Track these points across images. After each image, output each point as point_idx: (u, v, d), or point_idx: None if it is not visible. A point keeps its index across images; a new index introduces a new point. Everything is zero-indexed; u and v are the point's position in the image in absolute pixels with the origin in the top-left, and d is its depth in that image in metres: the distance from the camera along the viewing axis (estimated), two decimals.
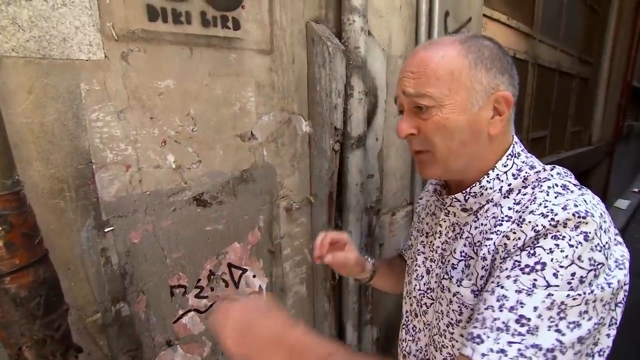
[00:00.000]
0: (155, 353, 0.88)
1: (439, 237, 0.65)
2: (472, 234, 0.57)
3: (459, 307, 0.56)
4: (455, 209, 0.62)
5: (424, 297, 0.66)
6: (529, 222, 0.48)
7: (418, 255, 0.70)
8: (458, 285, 0.56)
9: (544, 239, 0.46)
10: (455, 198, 0.60)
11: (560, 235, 0.45)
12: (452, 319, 0.57)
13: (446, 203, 0.63)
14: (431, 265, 0.66)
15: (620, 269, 0.48)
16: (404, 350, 0.73)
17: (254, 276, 1.01)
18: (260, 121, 0.92)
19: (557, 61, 2.89)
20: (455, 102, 0.54)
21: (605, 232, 0.47)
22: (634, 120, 5.83)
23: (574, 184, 0.52)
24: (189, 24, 0.77)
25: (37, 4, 0.61)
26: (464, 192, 0.59)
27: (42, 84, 0.64)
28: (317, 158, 1.02)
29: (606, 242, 0.46)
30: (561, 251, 0.44)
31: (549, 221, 0.46)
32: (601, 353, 0.51)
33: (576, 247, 0.44)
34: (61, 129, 0.67)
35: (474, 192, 0.58)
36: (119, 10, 0.69)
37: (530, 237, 0.47)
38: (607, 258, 0.46)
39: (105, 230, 0.75)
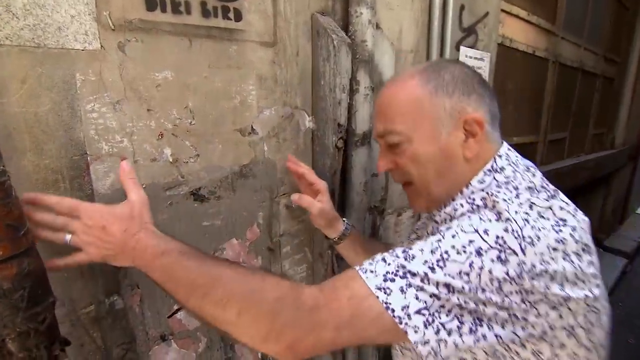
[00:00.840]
0: (149, 347, 0.88)
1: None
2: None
3: None
4: (432, 223, 0.62)
5: None
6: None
7: None
8: None
9: (447, 229, 0.49)
10: (433, 219, 0.62)
11: (462, 228, 0.47)
12: None
13: (422, 218, 0.69)
14: None
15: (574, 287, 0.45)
16: None
17: None
18: (262, 115, 0.90)
19: (580, 60, 2.76)
20: (422, 133, 0.55)
21: (532, 227, 0.45)
22: None
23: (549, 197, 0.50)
24: (189, 14, 0.75)
25: None
26: (438, 211, 0.60)
27: (36, 73, 0.63)
28: (320, 155, 0.99)
29: (529, 236, 0.44)
30: (457, 228, 0.47)
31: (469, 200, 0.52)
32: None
33: (483, 222, 0.46)
34: (56, 120, 0.66)
35: (447, 211, 0.58)
36: None
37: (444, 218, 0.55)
38: (524, 247, 0.43)
39: None
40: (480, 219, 0.47)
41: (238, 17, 0.81)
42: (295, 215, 1.03)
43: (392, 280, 0.45)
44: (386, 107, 0.59)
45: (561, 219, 0.47)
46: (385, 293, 0.44)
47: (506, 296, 0.43)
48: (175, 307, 0.89)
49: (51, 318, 0.58)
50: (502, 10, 1.77)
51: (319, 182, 0.84)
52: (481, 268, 0.43)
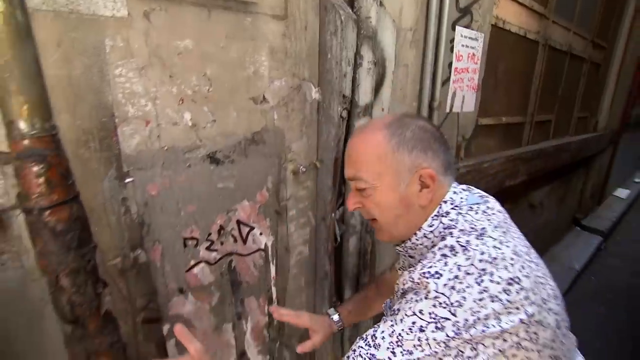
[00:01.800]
0: (169, 299, 0.96)
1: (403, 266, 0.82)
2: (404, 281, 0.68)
3: None
4: (404, 254, 0.76)
5: None
6: (406, 282, 0.63)
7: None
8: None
9: (405, 293, 0.62)
10: (399, 252, 0.76)
11: (416, 290, 0.59)
12: None
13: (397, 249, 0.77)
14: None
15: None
16: None
17: (261, 234, 1.07)
18: (272, 85, 0.96)
19: (569, 44, 2.85)
20: (385, 183, 0.64)
21: (457, 291, 0.55)
22: None
23: (472, 241, 0.60)
24: None
25: None
26: (402, 245, 0.73)
27: (70, 38, 0.67)
28: (325, 124, 1.06)
29: (458, 300, 0.54)
30: (408, 303, 0.58)
31: (417, 275, 0.59)
32: None
33: (418, 302, 0.57)
34: (87, 83, 0.71)
35: (409, 247, 0.71)
36: None
37: (406, 286, 0.63)
38: (456, 313, 0.54)
39: (126, 181, 0.80)
40: (416, 301, 0.58)
41: None
42: (300, 181, 1.10)
43: None
44: (355, 156, 0.68)
45: (482, 270, 0.56)
46: None
47: (455, 348, 0.55)
48: (193, 262, 0.97)
49: (94, 260, 0.65)
50: None
51: (306, 322, 0.95)
52: (427, 339, 0.55)
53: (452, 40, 1.52)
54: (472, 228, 0.62)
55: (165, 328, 0.97)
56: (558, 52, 2.73)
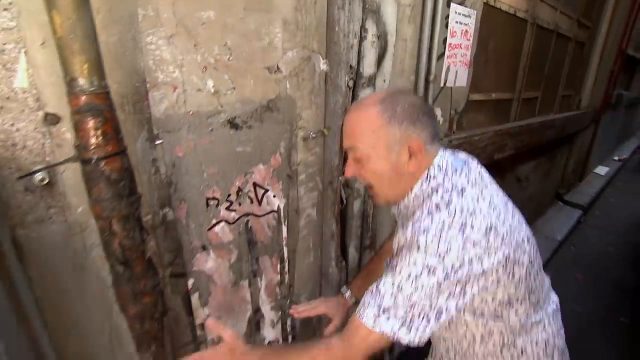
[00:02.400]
0: (193, 255, 1.05)
1: (398, 225, 0.89)
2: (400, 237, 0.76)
3: None
4: (398, 213, 0.86)
5: None
6: (402, 237, 0.71)
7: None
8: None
9: (401, 249, 0.70)
10: (394, 213, 0.85)
11: (408, 244, 0.67)
12: None
13: (392, 213, 0.88)
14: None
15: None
16: None
17: (274, 196, 1.16)
18: (285, 56, 1.03)
19: (556, 23, 2.94)
20: (378, 154, 0.72)
21: (444, 241, 0.64)
22: (624, 89, 5.96)
23: (458, 195, 0.70)
24: None
25: None
26: (397, 206, 0.83)
27: (107, 6, 0.73)
28: (332, 94, 1.14)
29: (446, 249, 0.64)
30: (404, 257, 0.67)
31: (409, 232, 0.68)
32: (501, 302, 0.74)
33: (412, 254, 0.66)
34: (122, 49, 0.77)
35: (402, 208, 0.80)
36: None
37: (400, 246, 0.71)
38: (443, 260, 0.63)
39: (156, 143, 0.87)
40: (410, 254, 0.66)
41: None
42: (309, 147, 1.19)
43: (378, 316, 0.67)
44: (352, 128, 0.75)
45: (463, 222, 0.66)
46: (377, 326, 0.66)
47: (447, 289, 0.65)
48: (214, 221, 1.05)
49: (139, 208, 0.73)
50: None
51: (322, 309, 1.08)
52: (422, 285, 0.64)
53: (447, 17, 1.59)
54: (454, 187, 0.71)
55: (190, 282, 1.06)
56: (545, 30, 2.82)
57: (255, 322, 1.28)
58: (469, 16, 1.76)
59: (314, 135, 1.15)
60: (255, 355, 0.76)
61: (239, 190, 1.07)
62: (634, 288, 3.00)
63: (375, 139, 0.71)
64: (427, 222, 0.67)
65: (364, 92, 1.16)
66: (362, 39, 1.11)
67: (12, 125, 0.69)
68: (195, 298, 1.09)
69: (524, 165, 3.13)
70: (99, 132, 0.60)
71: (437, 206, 0.69)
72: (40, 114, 0.71)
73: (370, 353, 0.72)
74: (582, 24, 3.48)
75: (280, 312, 1.37)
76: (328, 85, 1.14)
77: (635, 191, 5.35)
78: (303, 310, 1.07)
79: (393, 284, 0.67)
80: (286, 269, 1.30)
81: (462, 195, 0.70)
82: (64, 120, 0.73)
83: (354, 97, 1.16)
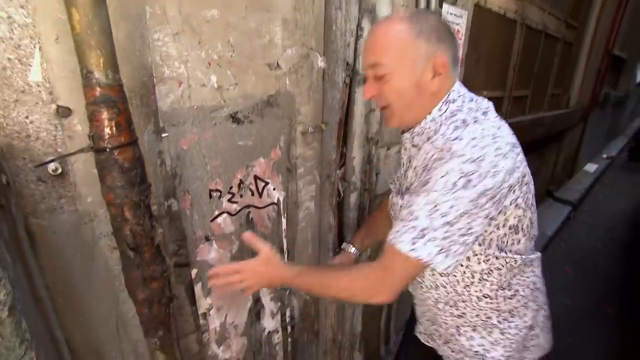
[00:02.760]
0: (196, 245, 1.08)
1: (403, 167, 0.87)
2: (417, 162, 0.77)
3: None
4: (408, 145, 0.82)
5: (391, 209, 0.92)
6: (431, 150, 0.70)
7: (396, 180, 0.96)
8: (401, 199, 0.80)
9: (432, 162, 0.68)
10: (406, 137, 0.81)
11: (439, 156, 0.67)
12: None
13: (402, 141, 0.85)
14: (398, 188, 0.90)
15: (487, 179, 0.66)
16: None
17: (274, 189, 1.20)
18: (285, 53, 1.07)
19: (544, 23, 3.02)
20: (404, 69, 0.71)
21: (478, 147, 0.64)
22: (611, 89, 6.10)
23: (478, 117, 0.72)
24: None
25: None
26: (410, 131, 0.80)
27: (116, 4, 0.76)
28: (330, 90, 1.18)
29: (482, 155, 0.64)
30: (439, 168, 0.66)
31: (440, 144, 0.68)
32: (512, 227, 0.76)
33: (448, 162, 0.64)
34: (130, 45, 0.80)
35: (417, 132, 0.78)
36: None
37: (426, 158, 0.70)
38: (479, 166, 0.63)
39: (162, 135, 0.91)
40: (445, 162, 0.64)
41: None
42: (308, 141, 1.23)
43: (414, 241, 0.66)
44: (378, 43, 0.72)
45: (493, 134, 0.68)
46: (415, 251, 0.66)
47: (484, 202, 0.65)
48: (217, 213, 1.09)
49: (149, 196, 0.77)
50: None
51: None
52: (460, 197, 0.64)
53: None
54: (478, 109, 0.74)
55: (194, 272, 1.09)
56: (534, 31, 2.90)
57: (256, 312, 1.32)
58: (461, 16, 1.81)
59: (312, 130, 1.19)
60: (292, 271, 0.81)
61: (241, 182, 1.10)
62: (621, 282, 3.09)
63: (402, 54, 0.70)
64: (457, 133, 0.68)
65: (360, 89, 1.21)
66: (358, 37, 1.15)
67: (27, 117, 0.72)
68: (198, 288, 1.12)
69: None
70: (112, 122, 0.64)
71: (464, 121, 0.71)
72: (53, 106, 0.74)
73: (409, 280, 0.72)
74: (569, 25, 3.57)
75: (279, 303, 1.41)
76: (326, 82, 1.18)
77: (622, 188, 5.48)
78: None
79: (428, 201, 0.65)
80: (285, 259, 1.34)
81: (486, 115, 0.73)
82: (75, 113, 0.76)
83: (350, 93, 1.21)
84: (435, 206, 0.64)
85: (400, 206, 0.80)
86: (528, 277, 0.86)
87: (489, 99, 0.80)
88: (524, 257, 0.80)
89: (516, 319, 0.87)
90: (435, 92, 0.74)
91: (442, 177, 0.64)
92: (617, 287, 3.00)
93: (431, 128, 0.76)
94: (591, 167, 5.84)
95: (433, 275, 0.87)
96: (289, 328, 1.48)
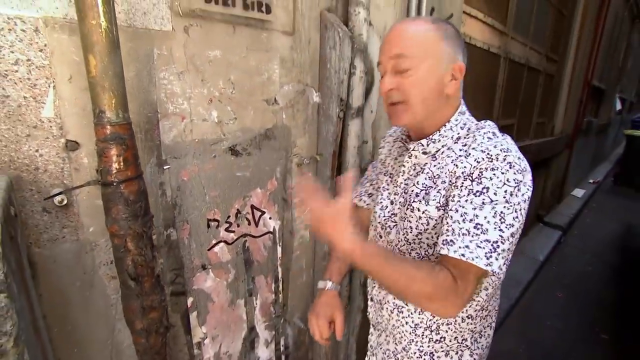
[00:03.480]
0: (193, 273, 1.10)
1: (402, 175, 0.85)
2: (431, 170, 0.78)
3: (426, 220, 0.77)
4: (417, 152, 0.82)
5: (388, 220, 0.87)
6: (472, 155, 0.70)
7: (383, 191, 0.91)
8: (427, 205, 0.76)
9: (485, 170, 0.67)
10: (420, 143, 0.81)
11: (495, 166, 0.68)
12: (421, 230, 0.78)
13: (410, 148, 0.83)
14: (395, 198, 0.87)
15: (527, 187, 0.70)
16: None
17: (270, 218, 1.23)
18: (282, 90, 1.14)
19: (527, 57, 3.20)
20: (428, 65, 0.72)
21: (521, 159, 0.69)
22: (593, 117, 6.36)
23: (499, 132, 0.77)
24: (234, 6, 0.96)
25: None
26: (427, 138, 0.80)
27: (127, 46, 0.82)
28: (324, 123, 1.24)
29: (524, 167, 0.69)
30: (497, 177, 0.67)
31: (486, 155, 0.68)
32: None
33: (505, 172, 0.67)
34: (138, 83, 0.86)
35: (434, 139, 0.79)
36: None
37: (474, 167, 0.69)
38: (524, 177, 0.68)
39: (164, 167, 0.95)
40: (502, 173, 0.66)
41: (268, 10, 1.03)
42: (303, 172, 1.28)
43: (489, 257, 0.64)
44: (404, 37, 0.72)
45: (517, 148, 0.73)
46: (490, 266, 0.64)
47: (525, 209, 0.68)
48: (214, 242, 1.11)
49: (152, 227, 0.79)
50: (464, 12, 2.09)
51: (324, 320, 0.95)
52: (519, 206, 0.66)
53: None
54: (492, 125, 0.78)
55: (189, 301, 1.10)
56: (517, 64, 3.06)
57: (250, 341, 1.32)
58: None
59: (308, 161, 1.24)
60: (369, 244, 0.68)
61: (238, 212, 1.14)
62: (613, 306, 3.11)
63: (429, 51, 0.71)
64: (503, 143, 0.70)
65: (354, 122, 1.27)
66: (351, 75, 1.23)
67: (37, 151, 0.76)
68: (194, 317, 1.13)
69: None
70: (120, 158, 0.68)
71: (494, 133, 0.74)
72: (62, 141, 0.79)
73: (474, 292, 0.70)
74: (550, 58, 3.78)
75: (274, 332, 1.40)
76: (320, 116, 1.25)
77: (610, 212, 5.59)
78: (322, 332, 0.95)
79: (494, 214, 0.65)
80: (280, 288, 1.35)
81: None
82: (83, 147, 0.80)
83: (344, 127, 1.27)
84: (502, 218, 0.65)
85: (419, 217, 0.78)
86: (497, 297, 0.89)
87: None
88: (502, 275, 0.83)
89: (482, 339, 0.89)
90: (450, 95, 0.77)
91: (501, 187, 0.66)
92: (609, 311, 3.02)
93: (449, 136, 0.78)
94: (579, 192, 5.98)
95: None
96: (283, 357, 1.47)
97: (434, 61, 0.72)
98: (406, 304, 0.88)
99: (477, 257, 0.64)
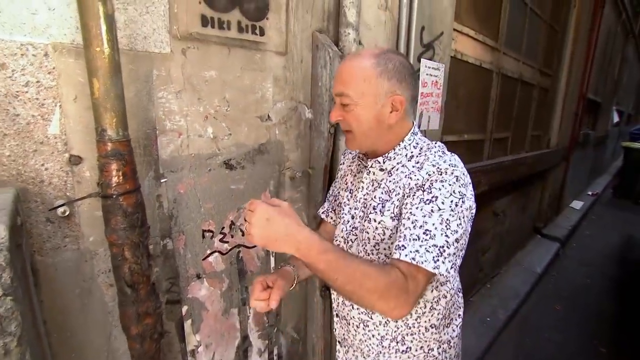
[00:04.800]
0: (188, 283, 1.14)
1: (361, 191, 0.91)
2: (387, 185, 0.84)
3: (382, 230, 0.83)
4: (374, 169, 0.88)
5: (349, 234, 0.92)
6: (424, 169, 0.77)
7: (344, 207, 0.96)
8: (382, 216, 0.82)
9: (435, 182, 0.74)
10: (377, 160, 0.87)
11: (443, 178, 0.74)
12: (378, 240, 0.84)
13: (368, 165, 0.89)
14: (355, 212, 0.92)
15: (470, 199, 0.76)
16: None
17: None
18: (275, 107, 1.20)
19: (520, 72, 3.28)
20: (366, 102, 0.79)
21: (465, 175, 0.76)
22: (590, 129, 6.42)
23: (447, 151, 0.84)
24: (229, 29, 1.03)
25: (130, 11, 0.86)
26: (383, 156, 0.86)
27: (128, 69, 0.89)
28: (316, 139, 1.30)
29: (468, 181, 0.76)
30: (445, 188, 0.73)
31: (436, 169, 0.75)
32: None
33: (452, 184, 0.73)
34: (138, 103, 0.92)
35: (389, 157, 0.86)
36: (183, 18, 0.95)
37: (425, 178, 0.75)
38: (467, 190, 0.75)
39: (161, 181, 1.00)
40: (450, 184, 0.72)
41: (262, 32, 1.10)
42: (295, 185, 1.33)
43: (436, 260, 0.69)
44: (346, 75, 0.80)
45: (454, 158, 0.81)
46: (438, 269, 0.68)
47: (469, 220, 0.75)
48: (209, 252, 1.16)
49: (148, 237, 0.84)
50: (455, 30, 2.17)
51: (270, 280, 0.90)
52: (462, 214, 0.72)
53: (418, 70, 1.82)
54: (442, 146, 0.86)
55: (184, 309, 1.14)
56: (510, 79, 3.14)
57: (244, 350, 1.35)
58: (438, 69, 2.00)
59: (300, 175, 1.29)
60: (321, 240, 0.66)
61: (232, 223, 1.18)
62: (612, 318, 3.10)
63: (366, 88, 0.78)
64: (449, 160, 0.76)
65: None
66: None
67: (42, 165, 0.82)
68: (188, 324, 1.17)
69: (499, 201, 3.32)
70: (120, 173, 0.73)
71: (444, 151, 0.81)
72: (67, 155, 0.84)
73: (422, 292, 0.73)
74: (544, 73, 3.86)
75: (267, 341, 1.43)
76: (312, 131, 1.31)
77: (609, 224, 5.60)
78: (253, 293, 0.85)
79: (441, 221, 0.70)
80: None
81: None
82: (85, 161, 0.86)
83: (335, 141, 1.32)
84: (448, 225, 0.71)
85: (379, 222, 0.83)
86: (460, 306, 0.93)
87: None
88: (458, 283, 0.88)
89: (452, 350, 0.93)
90: (392, 125, 0.83)
91: (448, 197, 0.72)
92: (609, 324, 3.01)
93: (404, 154, 0.85)
94: (577, 204, 5.99)
95: None
96: None
97: (370, 97, 0.79)
98: (371, 317, 0.90)
99: (425, 261, 0.68)
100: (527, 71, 3.46)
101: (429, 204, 0.72)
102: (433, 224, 0.70)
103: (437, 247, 0.70)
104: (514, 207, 3.70)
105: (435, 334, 0.89)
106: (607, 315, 3.15)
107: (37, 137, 0.80)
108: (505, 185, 3.14)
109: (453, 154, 0.82)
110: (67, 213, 0.84)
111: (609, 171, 9.28)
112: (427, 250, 0.69)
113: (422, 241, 0.70)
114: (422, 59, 1.83)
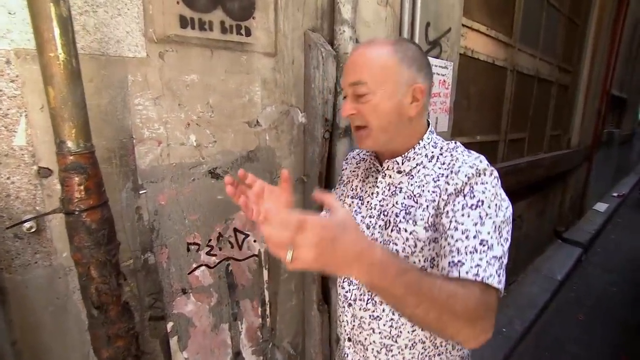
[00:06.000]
0: (173, 298, 1.08)
1: (376, 197, 0.81)
2: (410, 190, 0.75)
3: (414, 242, 0.72)
4: (391, 172, 0.80)
5: None
6: (462, 171, 0.68)
7: (355, 215, 0.85)
8: (414, 225, 0.72)
9: (476, 185, 0.66)
10: (395, 161, 0.78)
11: (484, 180, 0.67)
12: (408, 253, 0.73)
13: (383, 167, 0.81)
14: (370, 221, 0.81)
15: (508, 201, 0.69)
16: (349, 299, 0.84)
17: (255, 241, 1.21)
18: (265, 111, 1.13)
19: (536, 69, 3.11)
20: (385, 91, 0.71)
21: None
22: (615, 128, 6.11)
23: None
24: (211, 30, 0.97)
25: (101, 14, 0.81)
26: (402, 156, 0.78)
27: (100, 75, 0.83)
28: (310, 144, 1.22)
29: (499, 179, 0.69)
30: (488, 191, 0.65)
31: (475, 170, 0.67)
32: None
33: (494, 186, 0.66)
34: (112, 110, 0.87)
35: (409, 157, 0.77)
36: (159, 19, 0.89)
37: (464, 182, 0.67)
38: (503, 192, 0.68)
39: (140, 192, 0.94)
40: (492, 185, 0.66)
41: (248, 33, 1.04)
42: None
43: (499, 274, 0.60)
44: (362, 62, 0.72)
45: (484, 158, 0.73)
46: (501, 283, 0.60)
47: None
48: (195, 265, 1.10)
49: (117, 255, 0.78)
50: (464, 26, 2.06)
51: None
52: (508, 222, 0.65)
53: None
54: (460, 145, 0.78)
55: (169, 325, 1.08)
56: (526, 76, 2.98)
57: None
58: (446, 67, 1.89)
59: (294, 183, 1.22)
60: (396, 259, 0.56)
61: (220, 235, 1.12)
62: (639, 329, 2.91)
63: (385, 76, 0.71)
64: (484, 160, 0.70)
65: (341, 142, 1.25)
66: (337, 94, 1.21)
67: (8, 178, 0.77)
68: (174, 341, 1.11)
69: (516, 205, 3.16)
70: (82, 187, 0.67)
71: (470, 151, 0.73)
72: (35, 168, 0.79)
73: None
74: (563, 69, 3.67)
75: (261, 357, 1.36)
76: (306, 136, 1.23)
77: (635, 227, 5.30)
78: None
79: (495, 229, 0.63)
80: (267, 312, 1.32)
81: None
82: (55, 174, 0.81)
83: (331, 147, 1.24)
84: (500, 232, 0.64)
85: (406, 239, 0.73)
86: None
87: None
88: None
89: None
90: (412, 118, 0.75)
91: (493, 201, 0.65)
92: (634, 335, 2.82)
93: (423, 153, 0.77)
94: (601, 207, 5.70)
95: (414, 331, 0.80)
96: None
97: (390, 86, 0.71)
98: (396, 341, 0.80)
99: (490, 276, 0.59)
100: (545, 68, 3.28)
101: (475, 209, 0.64)
102: (488, 233, 0.62)
103: (496, 258, 0.61)
104: (532, 210, 3.52)
105: (461, 350, 0.81)
106: (632, 325, 2.95)
107: (1, 149, 0.75)
108: (520, 188, 2.98)
109: (477, 153, 0.74)
110: (33, 229, 0.79)
111: (635, 171, 8.83)
112: (488, 264, 0.60)
113: (480, 253, 0.61)
114: (428, 57, 1.73)
